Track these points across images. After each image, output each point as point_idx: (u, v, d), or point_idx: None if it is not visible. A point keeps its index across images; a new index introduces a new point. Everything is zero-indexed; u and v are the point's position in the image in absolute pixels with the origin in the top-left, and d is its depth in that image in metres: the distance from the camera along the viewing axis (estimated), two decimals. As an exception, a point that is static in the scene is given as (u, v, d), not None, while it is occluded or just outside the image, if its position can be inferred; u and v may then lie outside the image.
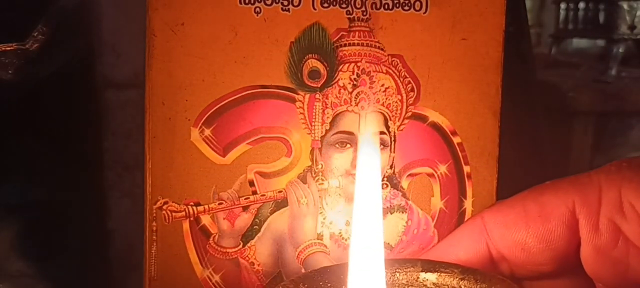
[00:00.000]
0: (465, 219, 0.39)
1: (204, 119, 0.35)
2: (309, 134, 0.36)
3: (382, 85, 0.37)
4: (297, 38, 0.35)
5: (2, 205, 0.41)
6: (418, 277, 0.31)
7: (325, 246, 0.37)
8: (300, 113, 0.36)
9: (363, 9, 0.36)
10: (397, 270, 0.31)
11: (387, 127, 0.37)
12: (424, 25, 0.37)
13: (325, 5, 0.36)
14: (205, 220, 0.36)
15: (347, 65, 0.36)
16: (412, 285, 0.31)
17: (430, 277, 0.30)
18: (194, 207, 0.35)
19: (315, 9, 0.35)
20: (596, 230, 0.29)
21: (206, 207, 0.36)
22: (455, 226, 0.39)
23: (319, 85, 0.36)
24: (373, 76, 0.36)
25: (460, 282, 0.30)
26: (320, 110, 0.36)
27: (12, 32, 0.40)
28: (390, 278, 0.30)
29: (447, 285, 0.30)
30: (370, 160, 0.29)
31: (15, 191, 0.41)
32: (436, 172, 0.38)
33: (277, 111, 0.36)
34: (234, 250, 0.36)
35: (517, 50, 0.48)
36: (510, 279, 0.30)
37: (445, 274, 0.30)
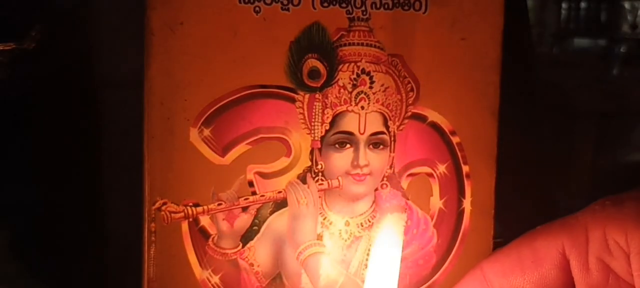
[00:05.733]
0: (464, 219, 0.39)
1: (203, 119, 0.35)
2: (309, 134, 0.36)
3: (382, 85, 0.37)
4: (297, 37, 0.35)
5: (-1, 205, 0.41)
6: None
7: (325, 246, 0.37)
8: (300, 113, 0.36)
9: (363, 8, 0.36)
10: None
11: (387, 127, 0.37)
12: (424, 25, 0.36)
13: (325, 4, 0.35)
14: (205, 221, 0.36)
15: (347, 64, 0.36)
16: None
17: None
18: (193, 208, 0.35)
19: (315, 9, 0.35)
20: (587, 270, 0.30)
21: (205, 207, 0.35)
22: (454, 225, 0.38)
23: (318, 85, 0.36)
24: (373, 76, 0.36)
25: None
26: (320, 110, 0.36)
27: (10, 32, 0.40)
28: None
29: None
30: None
31: (12, 191, 0.41)
32: (435, 172, 0.38)
33: (277, 111, 0.36)
34: (233, 251, 0.36)
35: (518, 49, 0.47)
36: None
37: None
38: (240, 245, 0.36)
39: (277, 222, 0.37)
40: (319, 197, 0.37)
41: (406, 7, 0.36)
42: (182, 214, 0.35)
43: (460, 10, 0.37)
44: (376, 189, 0.37)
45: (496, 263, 0.32)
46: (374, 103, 0.37)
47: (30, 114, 0.41)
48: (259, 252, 0.37)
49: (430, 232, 0.38)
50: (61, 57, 0.42)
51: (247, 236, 0.36)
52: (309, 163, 0.36)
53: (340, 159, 0.37)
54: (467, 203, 0.39)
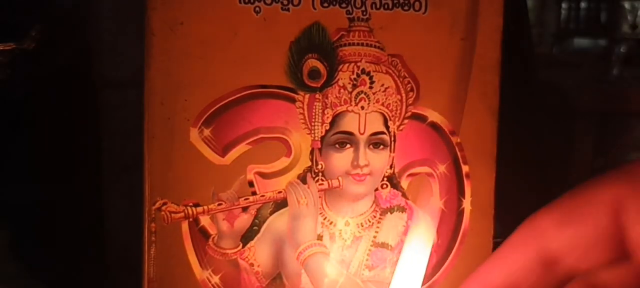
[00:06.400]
0: (464, 219, 0.39)
1: (203, 119, 0.35)
2: (309, 134, 0.36)
3: (382, 85, 0.37)
4: (297, 38, 0.35)
5: (-1, 204, 0.41)
6: None
7: (325, 246, 0.37)
8: (300, 113, 0.36)
9: (363, 8, 0.36)
10: None
11: (387, 127, 0.37)
12: (424, 25, 0.36)
13: (325, 4, 0.35)
14: (205, 221, 0.36)
15: (347, 65, 0.36)
16: None
17: None
18: (193, 208, 0.35)
19: (315, 9, 0.35)
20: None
21: (205, 207, 0.35)
22: (454, 225, 0.39)
23: (319, 85, 0.36)
24: (373, 76, 0.36)
25: None
26: (320, 110, 0.36)
27: (10, 32, 0.40)
28: None
29: None
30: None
31: (13, 191, 0.41)
32: (435, 172, 0.38)
33: (277, 111, 0.36)
34: (233, 251, 0.36)
35: (518, 49, 0.47)
36: None
37: None
38: (241, 245, 0.36)
39: (277, 222, 0.37)
40: (319, 197, 0.37)
41: (406, 7, 0.36)
42: (182, 214, 0.35)
43: (460, 11, 0.37)
44: (376, 189, 0.37)
45: (550, 212, 0.32)
46: (374, 103, 0.37)
47: (31, 114, 0.41)
48: (259, 252, 0.37)
49: (431, 232, 0.38)
50: (61, 57, 0.42)
51: (247, 236, 0.36)
52: (309, 164, 0.36)
53: (341, 159, 0.37)
54: (467, 203, 0.39)
